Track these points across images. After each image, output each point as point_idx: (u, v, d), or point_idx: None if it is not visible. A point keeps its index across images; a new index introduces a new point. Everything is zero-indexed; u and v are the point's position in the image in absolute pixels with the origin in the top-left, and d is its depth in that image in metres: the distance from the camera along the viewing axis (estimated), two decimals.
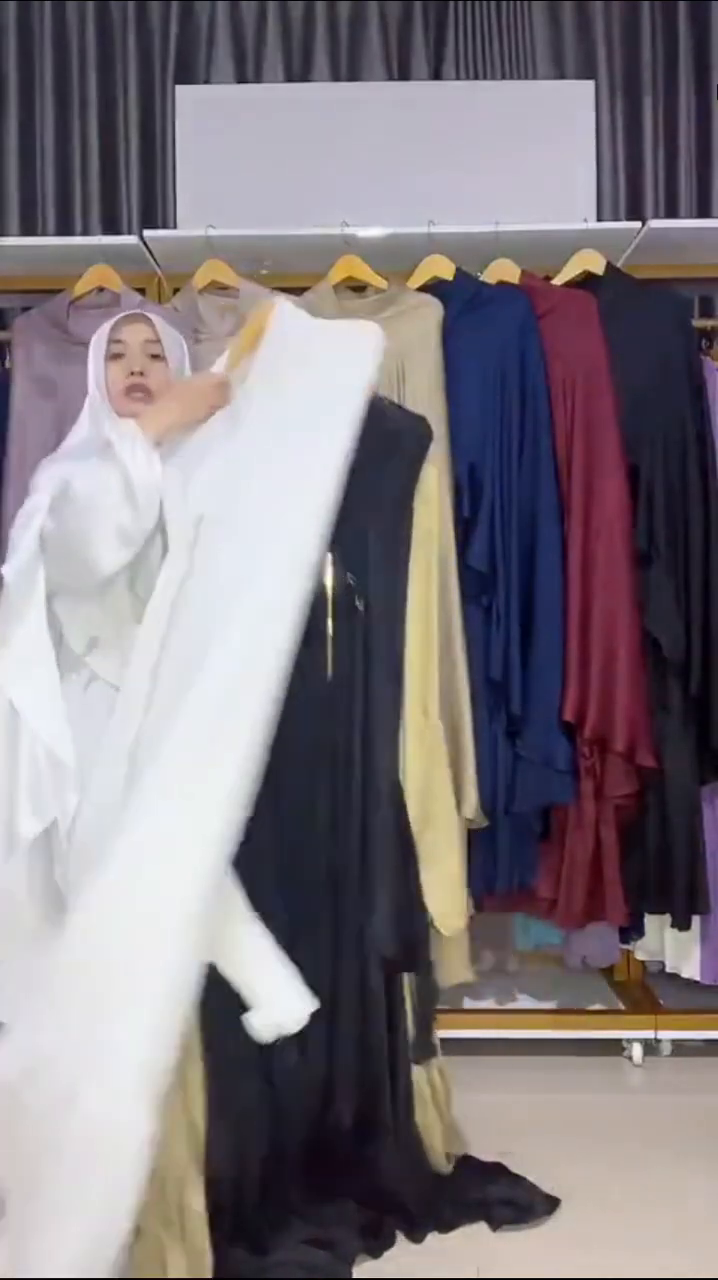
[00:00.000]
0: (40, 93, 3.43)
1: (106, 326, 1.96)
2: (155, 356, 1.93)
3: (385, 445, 1.93)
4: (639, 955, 2.66)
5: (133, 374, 1.90)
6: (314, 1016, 1.60)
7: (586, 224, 2.62)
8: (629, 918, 2.46)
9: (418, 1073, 1.94)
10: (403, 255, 2.58)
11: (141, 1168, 1.40)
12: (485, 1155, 2.07)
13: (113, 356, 1.93)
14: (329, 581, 1.91)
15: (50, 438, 2.47)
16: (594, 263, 2.55)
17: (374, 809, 1.87)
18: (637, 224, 2.65)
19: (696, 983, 2.58)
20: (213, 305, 2.54)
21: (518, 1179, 1.98)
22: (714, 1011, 2.61)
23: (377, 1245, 1.81)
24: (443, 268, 2.54)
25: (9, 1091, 1.45)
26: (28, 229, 3.41)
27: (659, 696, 2.42)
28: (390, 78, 3.42)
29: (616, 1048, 2.61)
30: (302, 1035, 1.63)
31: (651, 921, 2.54)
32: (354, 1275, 1.76)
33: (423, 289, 2.55)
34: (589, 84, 3.37)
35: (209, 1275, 1.64)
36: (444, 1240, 1.86)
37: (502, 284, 2.54)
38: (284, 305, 1.84)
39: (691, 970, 2.58)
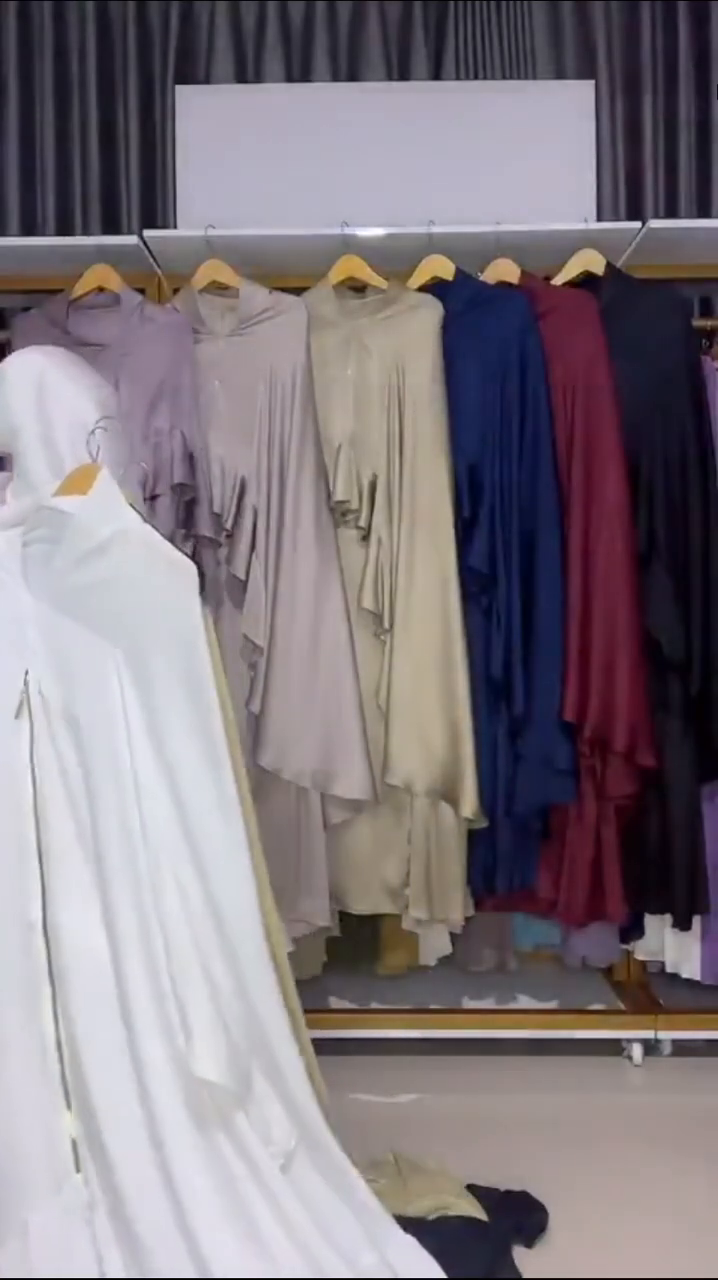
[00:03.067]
0: (40, 93, 3.43)
1: None
2: None
3: None
4: (639, 955, 2.66)
5: None
6: None
7: (586, 224, 2.62)
8: (629, 917, 2.46)
9: None
10: (403, 255, 2.58)
11: None
12: (486, 1154, 2.07)
13: None
14: None
15: None
16: (594, 263, 2.55)
17: None
18: (637, 224, 2.65)
19: (696, 983, 2.58)
20: (213, 305, 2.54)
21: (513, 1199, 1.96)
22: (714, 1011, 2.61)
23: None
24: (443, 268, 2.54)
25: None
26: (28, 229, 3.41)
27: (659, 696, 2.42)
28: (390, 78, 3.41)
29: (616, 1048, 2.61)
30: None
31: (651, 921, 2.54)
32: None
33: (423, 289, 2.55)
34: (589, 84, 3.37)
35: None
36: None
37: (502, 284, 2.54)
38: (106, 476, 1.71)
39: (691, 970, 2.58)
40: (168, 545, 1.71)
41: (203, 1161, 1.58)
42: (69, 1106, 1.65)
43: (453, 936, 2.61)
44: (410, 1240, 1.71)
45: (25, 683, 1.69)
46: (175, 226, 3.30)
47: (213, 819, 1.65)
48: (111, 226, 3.39)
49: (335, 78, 3.41)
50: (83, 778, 1.67)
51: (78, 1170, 1.65)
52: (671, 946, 2.59)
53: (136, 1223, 1.58)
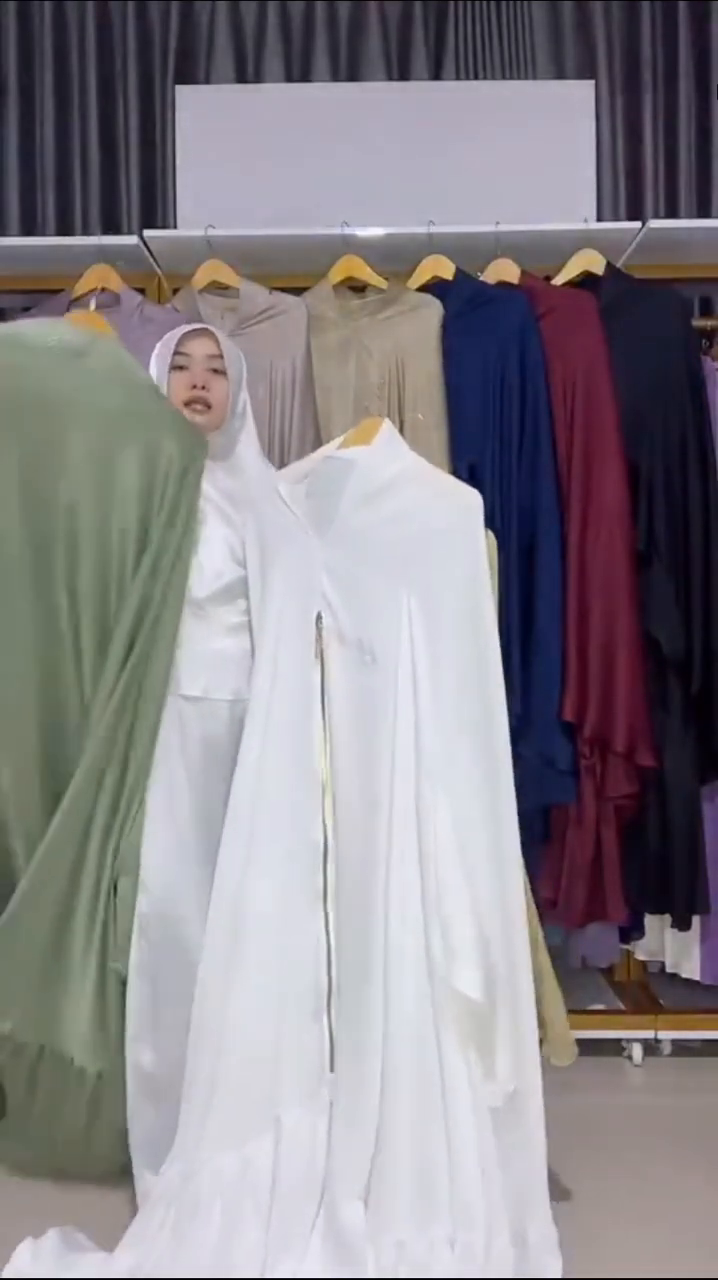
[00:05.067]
0: (40, 93, 3.43)
1: (172, 338, 2.06)
2: (217, 371, 2.04)
3: None
4: (639, 955, 2.66)
5: (195, 387, 2.02)
6: None
7: (586, 224, 2.62)
8: (629, 917, 2.46)
9: None
10: (403, 255, 2.58)
11: None
12: None
13: (176, 368, 2.04)
14: None
15: None
16: (594, 263, 2.55)
17: None
18: (637, 224, 2.65)
19: (696, 983, 2.58)
20: (213, 305, 2.54)
21: None
22: (714, 1011, 2.61)
23: None
24: (443, 268, 2.55)
25: None
26: (28, 229, 3.41)
27: (659, 696, 2.42)
28: (390, 78, 3.42)
29: (616, 1048, 2.61)
30: None
31: (651, 921, 2.54)
32: None
33: (423, 289, 2.55)
34: (589, 84, 3.37)
35: None
36: None
37: (502, 284, 2.54)
38: (389, 426, 1.89)
39: (691, 970, 2.58)
40: (450, 478, 1.84)
41: (413, 1083, 1.67)
42: (329, 1011, 1.77)
43: None
44: (552, 1233, 1.73)
45: (319, 626, 1.81)
46: (175, 226, 3.30)
47: (484, 749, 1.74)
48: (111, 226, 3.39)
49: (335, 78, 3.42)
50: (370, 705, 1.76)
51: (332, 1070, 1.76)
52: (671, 946, 2.59)
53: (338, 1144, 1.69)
